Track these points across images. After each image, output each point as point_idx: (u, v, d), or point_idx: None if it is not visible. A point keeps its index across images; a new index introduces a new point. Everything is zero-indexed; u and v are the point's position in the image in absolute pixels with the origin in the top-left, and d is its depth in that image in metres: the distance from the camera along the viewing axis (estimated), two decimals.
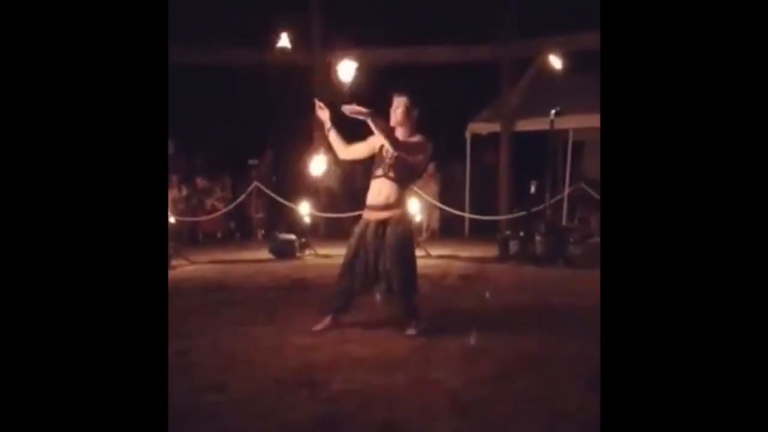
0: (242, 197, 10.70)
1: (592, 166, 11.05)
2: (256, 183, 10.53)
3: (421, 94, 4.63)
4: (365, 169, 5.12)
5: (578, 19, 9.36)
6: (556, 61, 9.31)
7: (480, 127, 11.93)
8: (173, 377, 2.92)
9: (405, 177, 4.53)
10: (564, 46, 9.59)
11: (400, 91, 4.54)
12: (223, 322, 4.91)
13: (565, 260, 7.97)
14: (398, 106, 4.50)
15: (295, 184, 10.75)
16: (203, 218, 11.03)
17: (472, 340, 4.28)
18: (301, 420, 2.97)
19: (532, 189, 8.95)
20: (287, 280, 6.99)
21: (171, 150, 10.03)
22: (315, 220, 10.77)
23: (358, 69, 4.83)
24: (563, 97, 9.21)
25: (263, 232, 11.21)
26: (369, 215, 4.54)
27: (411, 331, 4.41)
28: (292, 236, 9.12)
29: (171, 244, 7.40)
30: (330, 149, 4.91)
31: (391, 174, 4.46)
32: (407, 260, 4.46)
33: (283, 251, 8.93)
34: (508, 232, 9.06)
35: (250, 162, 11.28)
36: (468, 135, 11.80)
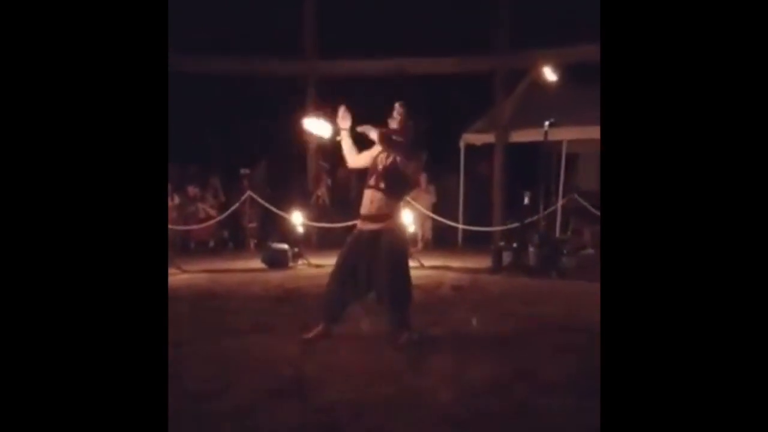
0: (235, 206, 10.68)
1: (586, 177, 11.09)
2: (249, 192, 10.51)
3: (415, 105, 4.66)
4: (358, 178, 5.12)
5: (573, 31, 9.43)
6: (550, 73, 9.34)
7: (474, 137, 11.94)
8: None
9: (396, 187, 4.53)
10: (558, 58, 9.62)
11: (401, 100, 4.58)
12: (214, 331, 4.88)
13: (559, 272, 7.97)
14: (397, 114, 4.53)
15: (288, 193, 10.72)
16: (195, 227, 10.99)
17: (464, 351, 4.26)
18: (292, 430, 2.96)
19: (526, 200, 8.93)
20: (280, 290, 6.96)
21: None
22: (308, 229, 10.74)
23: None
24: (557, 108, 9.23)
25: (256, 241, 11.18)
26: (362, 225, 4.55)
27: (403, 342, 4.40)
28: (285, 246, 9.10)
29: None
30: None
31: (382, 185, 4.47)
32: (401, 271, 4.45)
33: (276, 261, 8.90)
34: (501, 243, 9.05)
35: (242, 171, 11.26)
36: (462, 145, 11.82)
